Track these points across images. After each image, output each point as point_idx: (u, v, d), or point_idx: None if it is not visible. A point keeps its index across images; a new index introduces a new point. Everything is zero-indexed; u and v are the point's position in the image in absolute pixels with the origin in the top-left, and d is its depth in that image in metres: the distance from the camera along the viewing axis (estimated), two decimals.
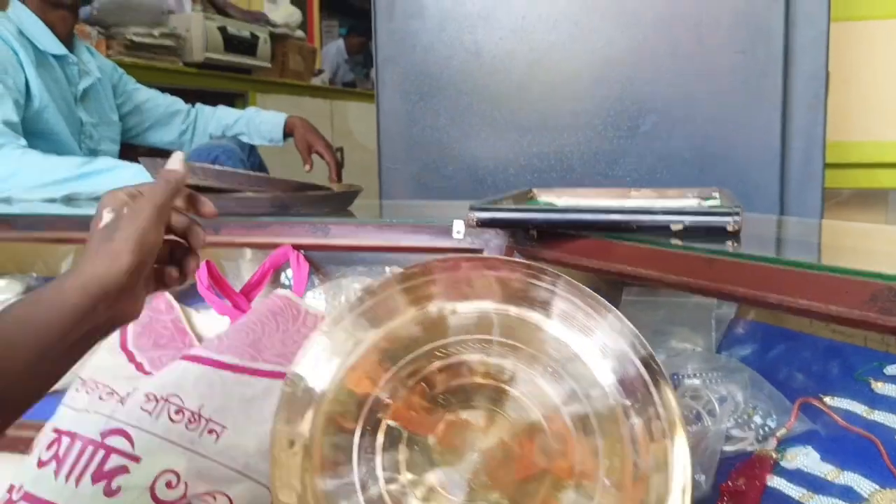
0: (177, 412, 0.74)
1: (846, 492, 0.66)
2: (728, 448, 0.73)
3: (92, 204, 1.27)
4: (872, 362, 0.77)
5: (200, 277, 0.93)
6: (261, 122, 1.96)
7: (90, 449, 0.72)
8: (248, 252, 1.09)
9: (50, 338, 0.51)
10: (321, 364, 0.67)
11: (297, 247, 0.98)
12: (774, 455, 0.71)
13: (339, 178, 1.90)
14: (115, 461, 0.71)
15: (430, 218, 1.01)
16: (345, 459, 0.65)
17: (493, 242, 0.90)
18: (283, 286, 1.00)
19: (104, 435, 0.73)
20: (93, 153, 1.72)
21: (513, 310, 0.65)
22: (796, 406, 0.75)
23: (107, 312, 0.53)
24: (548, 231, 0.84)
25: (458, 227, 0.92)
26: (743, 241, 0.76)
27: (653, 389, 0.60)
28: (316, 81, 4.14)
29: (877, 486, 0.65)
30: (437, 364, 0.66)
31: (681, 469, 0.58)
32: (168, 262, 0.59)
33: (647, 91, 1.41)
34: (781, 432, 0.73)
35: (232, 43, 3.15)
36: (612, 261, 0.78)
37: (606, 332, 0.62)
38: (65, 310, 0.51)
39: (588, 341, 0.62)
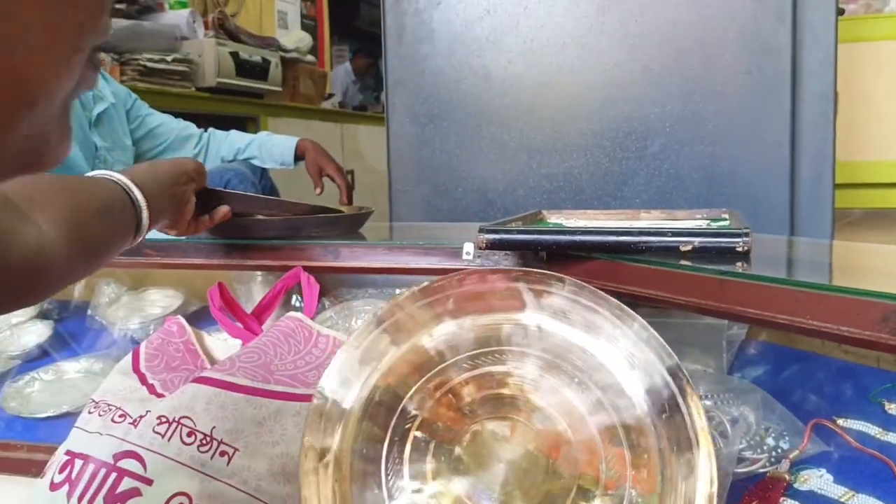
0: (189, 434, 0.74)
1: None
2: (740, 470, 0.72)
3: None
4: (886, 383, 0.77)
5: (212, 300, 0.94)
6: (272, 145, 1.97)
7: (103, 471, 0.73)
8: (259, 275, 1.09)
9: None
10: (350, 377, 0.68)
11: (308, 269, 0.98)
12: (787, 477, 0.71)
13: (350, 201, 1.91)
14: (127, 483, 0.71)
15: (439, 240, 1.01)
16: (374, 470, 0.66)
17: (503, 264, 0.90)
18: (294, 308, 1.01)
19: (117, 457, 0.73)
20: None
21: (537, 320, 0.65)
22: (809, 427, 0.74)
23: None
24: (557, 253, 0.84)
25: (468, 248, 0.93)
26: (753, 262, 0.75)
27: (679, 399, 0.60)
28: (326, 105, 4.18)
29: None
30: (463, 376, 0.66)
31: (707, 479, 0.58)
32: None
33: (655, 112, 1.42)
34: (794, 454, 0.72)
35: (244, 68, 3.20)
36: (621, 282, 0.78)
37: (633, 342, 0.62)
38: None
39: (614, 350, 0.63)
